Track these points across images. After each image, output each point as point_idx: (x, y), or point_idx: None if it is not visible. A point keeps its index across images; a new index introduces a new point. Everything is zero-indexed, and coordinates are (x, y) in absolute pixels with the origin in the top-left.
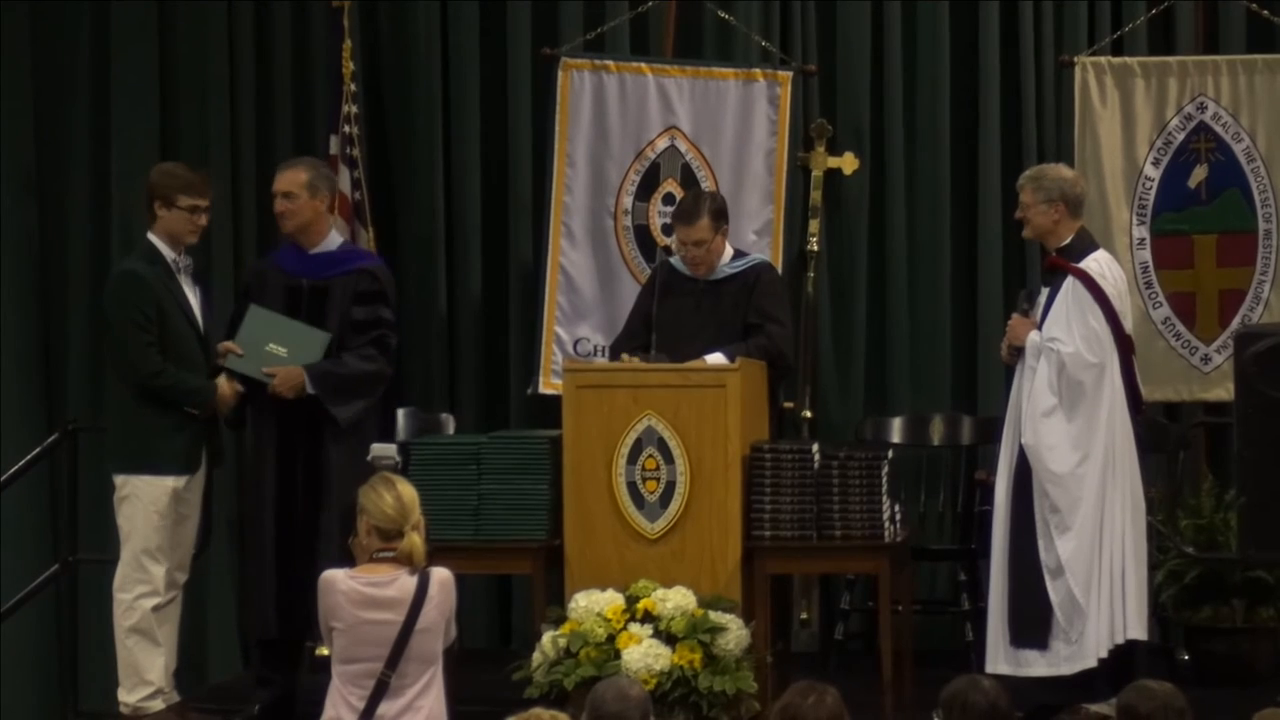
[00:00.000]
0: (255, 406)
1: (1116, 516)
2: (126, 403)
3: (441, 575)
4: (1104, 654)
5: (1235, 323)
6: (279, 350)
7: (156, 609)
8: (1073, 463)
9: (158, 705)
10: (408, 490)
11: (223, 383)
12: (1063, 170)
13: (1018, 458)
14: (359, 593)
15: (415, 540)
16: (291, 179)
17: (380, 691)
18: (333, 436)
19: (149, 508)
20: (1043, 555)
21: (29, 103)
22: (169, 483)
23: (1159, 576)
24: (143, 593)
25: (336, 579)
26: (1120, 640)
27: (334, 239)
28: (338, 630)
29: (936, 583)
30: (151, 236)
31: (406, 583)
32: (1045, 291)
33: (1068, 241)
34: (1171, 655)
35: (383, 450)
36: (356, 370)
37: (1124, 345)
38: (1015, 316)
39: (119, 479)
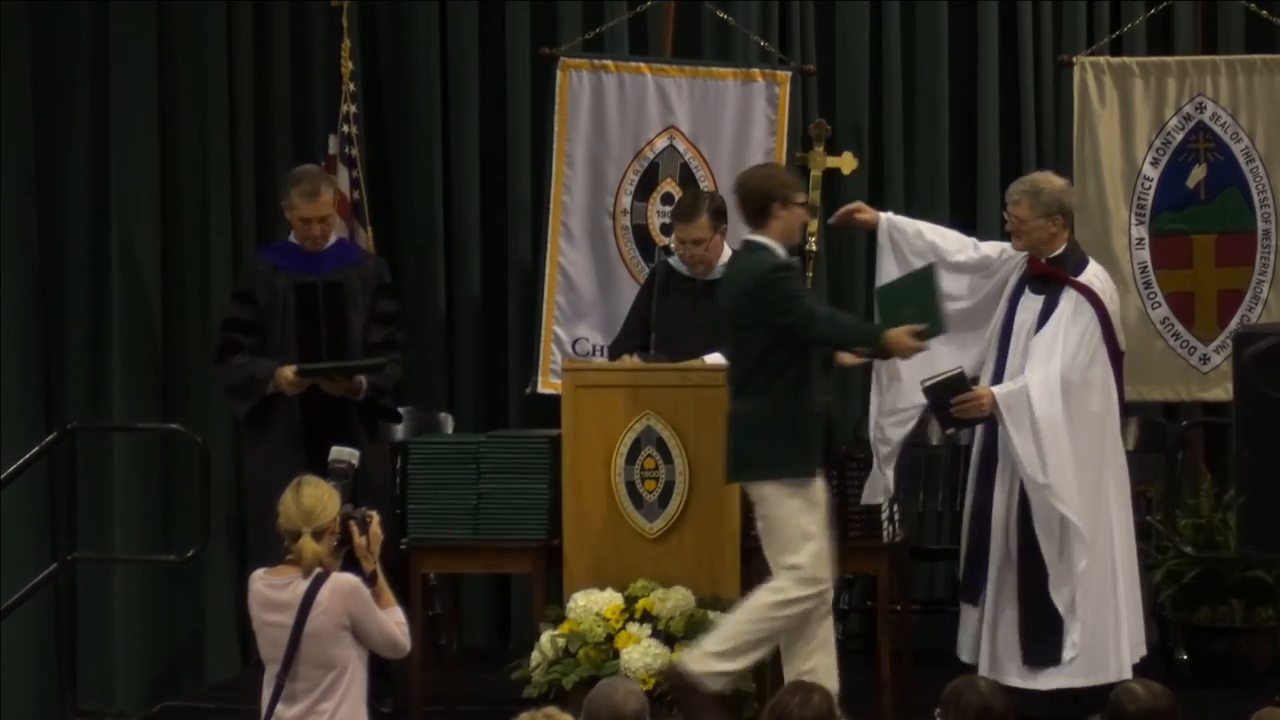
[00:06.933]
0: (280, 409)
1: (1116, 535)
2: None
3: (338, 581)
4: (1127, 674)
5: (1234, 323)
6: None
7: None
8: (1085, 501)
9: None
10: (313, 494)
11: (289, 374)
12: (1054, 180)
13: (1020, 498)
14: (261, 594)
15: (307, 544)
16: (326, 202)
17: (277, 695)
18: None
19: None
20: (1053, 594)
21: (29, 103)
22: None
23: (1158, 576)
24: None
25: (252, 578)
26: (1136, 660)
27: (333, 236)
28: (255, 629)
29: (935, 582)
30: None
31: (300, 586)
32: (1040, 299)
33: (1060, 251)
34: (1170, 655)
35: (338, 454)
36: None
37: (1118, 360)
38: (959, 401)
39: None
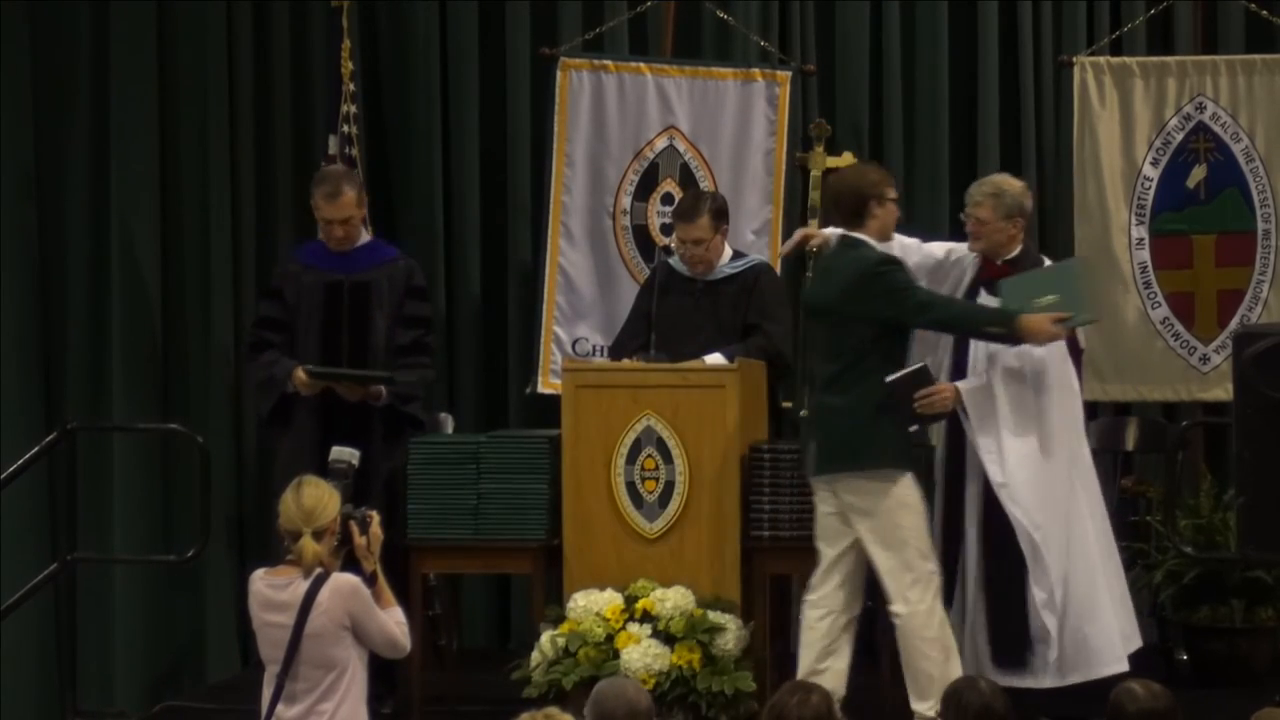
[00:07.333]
0: (301, 410)
1: (1091, 531)
2: None
3: (338, 582)
4: (1125, 667)
5: (1234, 323)
6: None
7: None
8: (1056, 499)
9: None
10: (314, 494)
11: (301, 374)
12: (1014, 182)
13: (984, 499)
14: (261, 594)
15: (307, 544)
16: (348, 203)
17: (277, 695)
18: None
19: None
20: (1033, 588)
21: (29, 103)
22: None
23: (1158, 576)
24: None
25: (253, 578)
26: (1130, 651)
27: (364, 235)
28: (255, 629)
29: None
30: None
31: (301, 586)
32: (997, 299)
33: (1015, 253)
34: (1170, 655)
35: (338, 454)
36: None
37: (1077, 357)
38: (922, 395)
39: None
